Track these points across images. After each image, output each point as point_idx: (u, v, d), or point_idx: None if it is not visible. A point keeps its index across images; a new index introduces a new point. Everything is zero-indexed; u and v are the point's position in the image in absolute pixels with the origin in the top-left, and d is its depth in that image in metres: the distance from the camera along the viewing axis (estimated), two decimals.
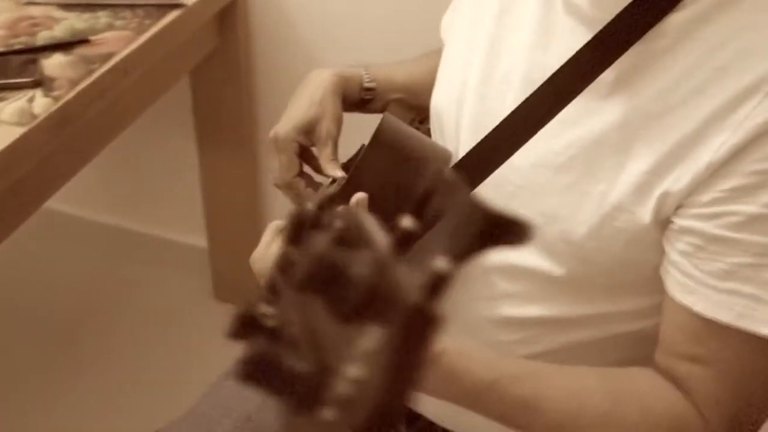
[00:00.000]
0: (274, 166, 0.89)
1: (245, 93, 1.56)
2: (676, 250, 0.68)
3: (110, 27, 1.19)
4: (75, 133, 1.09)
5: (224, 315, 1.76)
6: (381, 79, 0.95)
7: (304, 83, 0.91)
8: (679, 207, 0.67)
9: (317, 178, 0.92)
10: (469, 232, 0.30)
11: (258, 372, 0.33)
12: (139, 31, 1.18)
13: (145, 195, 1.88)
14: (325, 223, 0.37)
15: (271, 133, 0.88)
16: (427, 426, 0.91)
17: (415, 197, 0.78)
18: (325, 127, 0.87)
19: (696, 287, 0.67)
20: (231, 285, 1.82)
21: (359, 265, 0.31)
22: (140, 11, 1.24)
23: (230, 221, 1.74)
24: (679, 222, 0.67)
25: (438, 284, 0.29)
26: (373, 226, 0.35)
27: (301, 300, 0.37)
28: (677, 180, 0.66)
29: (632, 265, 0.72)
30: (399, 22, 1.44)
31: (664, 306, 0.71)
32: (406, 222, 0.33)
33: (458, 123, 0.82)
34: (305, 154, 0.90)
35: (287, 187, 0.90)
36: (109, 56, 1.11)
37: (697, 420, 0.69)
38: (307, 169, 0.91)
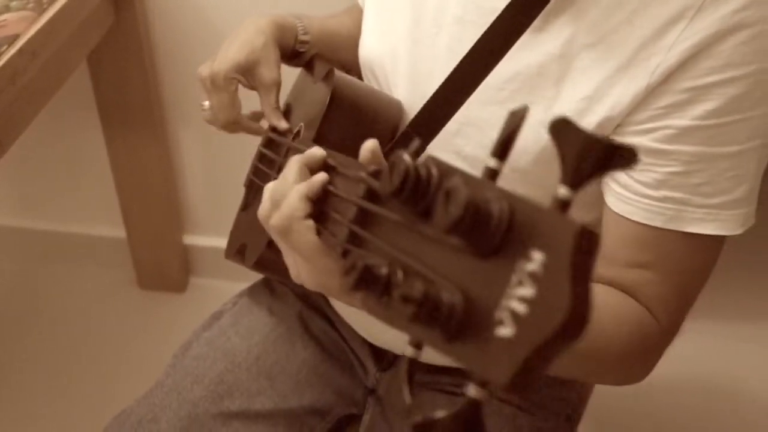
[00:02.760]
0: (213, 106, 0.87)
1: (149, 71, 1.50)
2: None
3: (6, 9, 1.11)
4: None
5: (149, 302, 1.75)
6: (314, 32, 0.93)
7: (241, 29, 0.88)
8: (618, 126, 0.70)
9: None
10: (587, 160, 0.33)
11: (418, 311, 0.35)
12: (39, 10, 1.11)
13: (53, 192, 1.80)
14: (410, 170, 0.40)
15: (205, 71, 0.86)
16: (393, 359, 0.94)
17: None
18: (268, 71, 0.86)
19: (632, 197, 0.70)
20: (154, 272, 1.79)
21: (495, 203, 0.35)
22: None
23: (147, 207, 1.69)
24: (618, 139, 0.69)
25: (565, 208, 0.34)
26: (465, 170, 0.39)
27: (411, 242, 0.42)
28: (616, 104, 0.68)
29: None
30: None
31: (606, 219, 0.74)
32: (491, 162, 0.38)
33: (394, 71, 0.82)
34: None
35: (229, 125, 0.88)
36: (14, 38, 1.03)
37: (653, 321, 0.73)
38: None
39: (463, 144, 0.77)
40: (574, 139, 0.33)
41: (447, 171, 0.39)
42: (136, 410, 0.88)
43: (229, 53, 0.85)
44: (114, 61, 1.48)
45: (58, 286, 1.81)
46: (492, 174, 0.38)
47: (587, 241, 0.32)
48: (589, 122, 0.70)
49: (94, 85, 1.53)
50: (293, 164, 0.63)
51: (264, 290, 1.01)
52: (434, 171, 0.39)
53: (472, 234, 0.35)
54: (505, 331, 0.33)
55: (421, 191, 0.39)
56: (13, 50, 1.03)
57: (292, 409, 0.90)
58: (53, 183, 1.78)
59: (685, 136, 0.67)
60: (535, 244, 0.33)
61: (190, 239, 1.79)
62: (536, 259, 0.33)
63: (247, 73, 0.86)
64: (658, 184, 0.69)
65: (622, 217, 0.72)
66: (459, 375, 0.91)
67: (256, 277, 0.96)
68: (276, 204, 0.62)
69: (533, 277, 0.33)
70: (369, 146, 0.59)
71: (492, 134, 0.74)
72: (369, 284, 0.39)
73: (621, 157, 0.33)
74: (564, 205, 0.34)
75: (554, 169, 0.71)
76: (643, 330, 0.72)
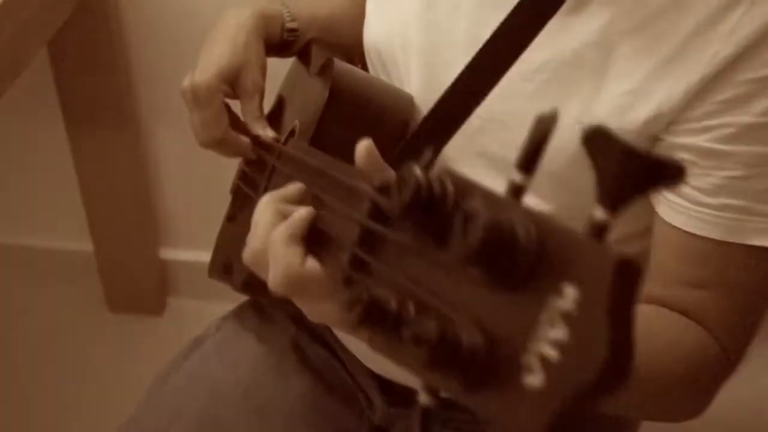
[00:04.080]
0: (195, 123, 0.86)
1: (119, 59, 1.50)
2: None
3: None
4: None
5: (121, 327, 1.74)
6: (304, 17, 0.93)
7: (221, 24, 0.88)
8: (669, 123, 0.70)
9: None
10: (627, 178, 0.33)
11: (433, 354, 0.35)
12: None
13: (8, 199, 1.80)
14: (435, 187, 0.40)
15: (187, 84, 0.85)
16: (403, 391, 0.92)
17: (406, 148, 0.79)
18: (251, 77, 0.86)
19: (687, 206, 0.71)
20: (125, 291, 1.79)
21: (521, 227, 0.35)
22: None
23: (117, 216, 1.69)
24: (670, 139, 0.71)
25: (602, 234, 0.33)
26: (486, 186, 0.39)
27: (423, 274, 0.41)
28: (667, 99, 0.68)
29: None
30: None
31: (656, 231, 0.74)
32: (516, 176, 0.38)
33: (405, 60, 0.82)
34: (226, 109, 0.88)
35: (218, 145, 0.87)
36: None
37: (715, 346, 0.72)
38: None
39: (486, 143, 0.77)
40: (612, 153, 0.33)
41: (465, 187, 0.39)
42: None
43: (211, 59, 0.85)
44: (78, 48, 1.47)
45: (15, 309, 1.81)
46: (517, 190, 0.38)
47: (628, 275, 0.31)
48: (634, 120, 0.70)
49: (55, 76, 1.52)
50: (267, 203, 0.62)
51: (253, 313, 1.00)
52: (450, 187, 0.39)
53: (494, 264, 0.35)
54: (534, 379, 0.33)
55: (435, 211, 0.39)
56: None
57: None
58: (9, 189, 1.79)
59: (746, 135, 0.67)
60: (567, 277, 0.33)
61: (167, 253, 1.79)
62: (569, 295, 0.32)
63: (231, 79, 0.85)
64: (717, 191, 0.69)
65: (676, 228, 0.72)
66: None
67: (243, 296, 0.95)
68: (259, 266, 0.62)
69: (566, 316, 0.32)
70: (364, 146, 0.59)
71: (519, 131, 0.73)
72: (376, 320, 0.39)
73: (667, 174, 0.33)
74: (600, 229, 0.33)
75: (592, 172, 0.71)
76: (704, 356, 0.72)
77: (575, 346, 0.32)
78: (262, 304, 1.00)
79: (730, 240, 0.70)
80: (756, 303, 0.74)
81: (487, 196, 0.38)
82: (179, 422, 0.88)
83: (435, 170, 0.41)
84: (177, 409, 0.90)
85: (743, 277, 0.72)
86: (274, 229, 0.60)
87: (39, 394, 1.64)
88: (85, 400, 1.62)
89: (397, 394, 0.94)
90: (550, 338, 0.33)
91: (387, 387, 0.94)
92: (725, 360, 0.73)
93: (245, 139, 0.88)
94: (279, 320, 0.99)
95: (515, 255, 0.35)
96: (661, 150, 0.71)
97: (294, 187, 0.63)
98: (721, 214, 0.69)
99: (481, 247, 0.34)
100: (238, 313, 1.01)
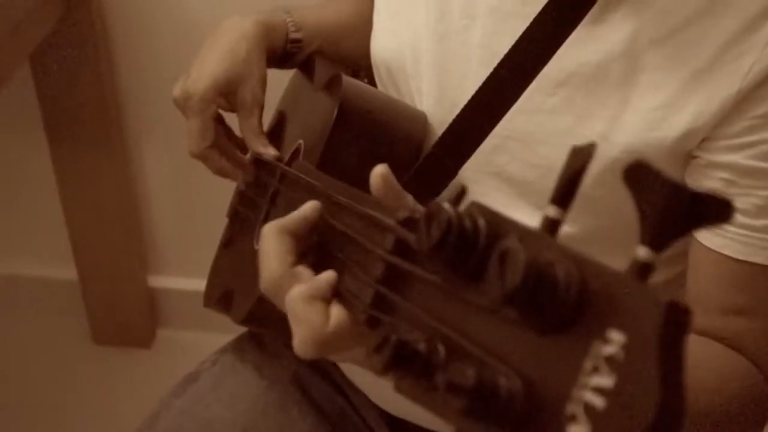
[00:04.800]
0: (187, 131, 0.87)
1: (104, 73, 1.50)
2: (703, 188, 0.70)
3: None
4: None
5: (107, 361, 1.74)
6: (308, 27, 0.93)
7: (221, 31, 0.88)
8: (704, 140, 0.70)
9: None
10: (671, 216, 0.33)
11: (470, 401, 0.35)
12: None
13: None
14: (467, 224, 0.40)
15: (178, 91, 0.86)
16: (413, 431, 0.92)
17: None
18: (251, 90, 0.86)
19: (728, 229, 0.70)
20: (112, 322, 1.78)
21: (562, 268, 0.35)
22: None
23: (103, 241, 1.69)
24: (707, 156, 0.70)
25: (646, 275, 0.33)
26: (520, 222, 0.39)
27: (452, 315, 0.41)
28: (700, 113, 0.68)
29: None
30: None
31: (695, 256, 0.74)
32: (551, 210, 0.38)
33: (416, 74, 0.82)
34: (218, 122, 0.89)
35: (204, 158, 0.88)
36: None
37: (759, 374, 0.72)
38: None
39: (504, 162, 0.77)
40: (656, 189, 0.33)
41: (498, 223, 0.39)
42: None
43: (206, 67, 0.85)
44: (62, 61, 1.48)
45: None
46: (552, 225, 0.38)
47: (678, 320, 0.32)
48: (665, 137, 0.70)
49: (37, 92, 1.53)
50: (269, 242, 0.61)
51: (251, 345, 1.00)
52: (482, 223, 0.39)
53: (533, 306, 0.35)
54: (580, 429, 0.32)
55: (466, 249, 0.39)
56: None
57: None
58: None
59: None
60: (612, 321, 0.33)
61: (156, 281, 1.79)
62: (615, 340, 0.33)
63: (228, 91, 0.85)
64: (759, 212, 0.69)
65: (716, 252, 0.71)
66: None
67: (241, 328, 0.94)
68: (278, 297, 0.60)
69: (612, 363, 0.32)
70: (379, 173, 0.59)
71: (540, 150, 0.75)
72: (405, 364, 0.39)
73: (714, 211, 0.33)
74: (645, 270, 0.33)
75: (621, 194, 0.70)
76: (750, 387, 0.72)
77: (623, 394, 0.32)
78: (261, 337, 1.00)
79: None
80: None
81: (524, 233, 0.38)
82: None
83: (465, 204, 0.41)
84: None
85: None
86: (293, 287, 0.58)
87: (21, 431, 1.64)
88: None
89: None
90: (595, 385, 0.33)
91: (397, 426, 0.94)
92: None
93: (227, 164, 0.88)
94: (280, 353, 0.98)
95: (555, 297, 0.35)
96: (697, 171, 0.71)
97: (300, 217, 0.62)
98: (764, 236, 0.69)
99: (520, 289, 0.34)
100: (236, 346, 1.00)
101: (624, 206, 0.69)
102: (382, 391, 0.92)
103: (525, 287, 0.34)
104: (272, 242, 0.61)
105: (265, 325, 0.85)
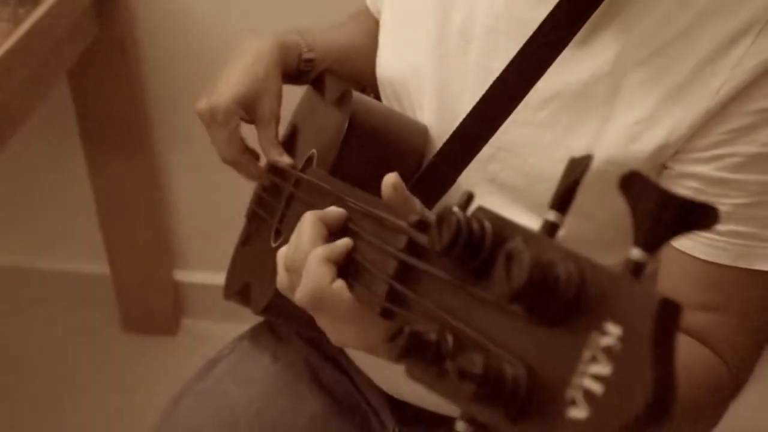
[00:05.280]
0: (215, 142, 0.88)
1: (135, 88, 1.50)
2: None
3: None
4: None
5: (136, 347, 1.74)
6: (320, 48, 0.94)
7: (240, 51, 0.89)
8: (677, 152, 0.70)
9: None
10: (663, 221, 0.33)
11: (478, 387, 0.35)
12: (15, 21, 1.11)
13: (29, 224, 1.80)
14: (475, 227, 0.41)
15: (204, 106, 0.86)
16: (415, 412, 0.92)
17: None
18: (269, 105, 0.87)
19: (697, 233, 0.69)
20: (141, 313, 1.78)
21: (563, 267, 0.35)
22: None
23: (133, 240, 1.69)
24: (678, 167, 0.70)
25: (639, 273, 0.34)
26: (522, 225, 0.40)
27: (459, 307, 0.42)
28: (674, 129, 0.68)
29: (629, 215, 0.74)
30: (300, 1, 1.43)
31: (666, 256, 0.73)
32: (551, 215, 0.39)
33: (419, 90, 0.82)
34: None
35: (234, 165, 0.88)
36: None
37: (724, 368, 0.72)
38: None
39: (497, 170, 0.77)
40: (648, 196, 0.33)
41: (502, 226, 0.40)
42: None
43: (229, 84, 0.86)
44: (97, 77, 1.48)
45: (34, 328, 1.80)
46: (552, 229, 0.39)
47: (670, 314, 0.32)
48: (642, 149, 0.70)
49: (75, 104, 1.53)
50: (306, 225, 0.62)
51: (267, 334, 1.00)
52: (487, 225, 0.40)
53: (536, 301, 0.35)
54: (579, 412, 0.33)
55: (475, 249, 0.39)
56: None
57: None
58: (30, 214, 1.78)
59: (753, 164, 0.67)
60: (609, 315, 0.33)
61: (181, 275, 1.78)
62: (612, 333, 0.33)
63: (248, 105, 0.86)
64: (725, 218, 0.68)
65: (685, 254, 0.71)
66: None
67: (257, 317, 0.95)
68: (294, 272, 0.62)
69: (609, 353, 0.33)
70: (390, 181, 0.59)
71: (530, 159, 0.75)
72: (417, 352, 0.39)
73: (702, 216, 0.33)
74: (638, 268, 0.34)
75: (605, 201, 0.72)
76: (714, 378, 0.72)
77: (619, 381, 0.32)
78: (276, 326, 1.00)
79: (739, 265, 0.69)
80: (762, 325, 0.73)
81: (527, 235, 0.38)
82: None
83: (472, 209, 0.41)
84: (192, 430, 0.89)
85: (751, 300, 0.72)
86: (314, 248, 0.60)
87: (56, 413, 1.63)
88: (101, 419, 1.61)
89: (408, 414, 0.94)
90: (593, 373, 0.33)
91: (398, 407, 0.94)
92: (732, 381, 0.73)
93: (255, 167, 0.90)
94: (293, 341, 0.98)
95: (557, 293, 0.35)
96: (669, 180, 0.71)
97: (336, 212, 0.63)
98: (729, 240, 0.69)
99: (526, 286, 0.34)
100: (253, 334, 1.00)
101: (604, 212, 0.71)
102: (384, 375, 0.92)
103: (530, 285, 0.34)
104: (308, 225, 0.62)
105: (281, 316, 0.85)
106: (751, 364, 0.74)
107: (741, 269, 0.70)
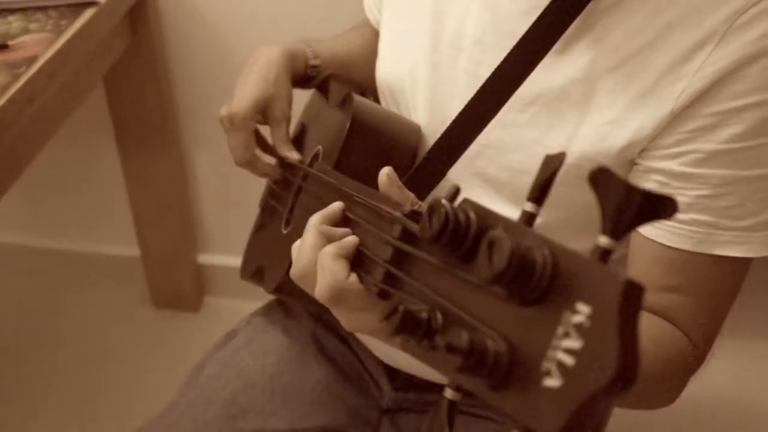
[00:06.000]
0: (231, 145, 0.88)
1: (164, 91, 1.49)
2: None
3: (25, 30, 1.11)
4: (9, 144, 1.03)
5: (163, 322, 1.74)
6: (324, 56, 0.94)
7: (253, 60, 0.88)
8: (644, 150, 0.69)
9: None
10: (627, 211, 0.33)
11: (464, 360, 0.35)
12: (57, 32, 1.11)
13: (68, 212, 1.79)
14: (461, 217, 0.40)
15: (225, 112, 0.86)
16: (409, 379, 0.92)
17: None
18: (280, 106, 0.86)
19: (662, 222, 0.69)
20: (168, 291, 1.77)
21: (537, 252, 0.35)
22: (53, 12, 1.16)
23: (161, 226, 1.68)
24: (645, 163, 0.70)
25: (607, 258, 0.34)
26: (503, 215, 0.40)
27: (447, 288, 0.42)
28: (640, 128, 0.68)
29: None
30: (311, 15, 1.42)
31: (634, 242, 0.73)
32: (528, 206, 0.39)
33: (414, 94, 0.82)
34: (255, 134, 0.89)
35: (249, 165, 0.88)
36: (33, 59, 1.03)
37: (687, 340, 0.72)
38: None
39: (483, 166, 0.77)
40: (614, 189, 0.33)
41: (485, 216, 0.40)
42: (149, 431, 0.87)
43: (246, 91, 0.86)
44: (130, 81, 1.47)
45: (72, 305, 1.79)
46: (529, 218, 0.38)
47: (634, 294, 0.32)
48: (612, 147, 0.70)
49: (109, 104, 1.52)
50: (312, 226, 0.61)
51: (278, 309, 1.00)
52: (472, 215, 0.39)
53: (515, 283, 0.35)
54: (553, 382, 0.33)
55: (461, 237, 0.39)
56: (31, 71, 1.02)
57: (307, 429, 0.89)
58: (68, 202, 1.77)
59: (712, 160, 0.67)
60: (580, 296, 0.33)
61: (204, 258, 1.78)
62: (582, 311, 0.33)
63: (262, 108, 0.86)
64: (687, 208, 0.69)
65: (651, 240, 0.71)
66: None
67: (270, 296, 0.96)
68: (306, 280, 0.61)
69: (580, 329, 0.33)
70: (385, 172, 0.59)
71: (513, 156, 0.75)
72: (410, 328, 0.39)
73: (662, 207, 0.33)
74: (605, 254, 0.34)
75: (577, 191, 0.71)
76: (680, 351, 0.72)
77: (589, 354, 0.32)
78: (287, 303, 1.00)
79: (699, 251, 0.69)
80: (722, 304, 0.73)
81: (507, 224, 0.38)
82: (213, 405, 0.88)
83: (459, 201, 0.41)
84: (212, 393, 0.89)
85: (711, 282, 0.71)
86: (323, 247, 0.59)
87: (92, 382, 1.63)
88: (131, 386, 1.61)
89: (402, 380, 0.94)
90: (566, 347, 0.33)
91: (393, 374, 0.94)
92: (695, 355, 0.73)
93: (271, 162, 0.89)
94: (301, 316, 0.98)
95: (534, 276, 0.35)
96: (637, 174, 0.71)
97: (334, 208, 0.63)
98: (691, 228, 0.69)
99: (506, 270, 0.34)
100: (266, 310, 1.00)
101: (578, 202, 0.71)
102: (382, 346, 0.92)
103: (509, 269, 0.35)
104: (309, 234, 0.61)
105: (290, 294, 0.86)
106: (712, 338, 0.74)
107: (701, 254, 0.69)
